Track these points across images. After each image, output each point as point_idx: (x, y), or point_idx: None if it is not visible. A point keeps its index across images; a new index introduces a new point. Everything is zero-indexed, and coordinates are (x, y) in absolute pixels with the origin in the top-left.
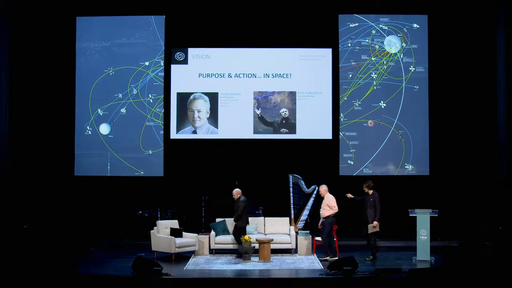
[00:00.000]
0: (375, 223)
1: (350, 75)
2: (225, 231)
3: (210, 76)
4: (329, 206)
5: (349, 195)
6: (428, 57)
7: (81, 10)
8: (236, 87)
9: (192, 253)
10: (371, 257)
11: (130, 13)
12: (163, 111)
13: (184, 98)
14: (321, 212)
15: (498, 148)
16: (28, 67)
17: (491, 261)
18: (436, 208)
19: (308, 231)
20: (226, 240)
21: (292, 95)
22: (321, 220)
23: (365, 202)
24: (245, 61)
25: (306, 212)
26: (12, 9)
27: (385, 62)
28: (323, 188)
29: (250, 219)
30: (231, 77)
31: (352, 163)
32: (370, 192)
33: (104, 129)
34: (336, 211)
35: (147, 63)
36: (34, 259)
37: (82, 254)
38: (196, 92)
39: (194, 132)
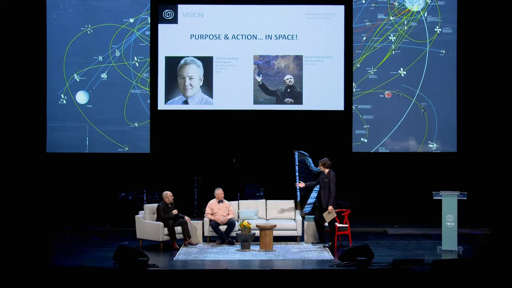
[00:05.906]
0: (330, 208)
1: (364, 38)
2: None
3: (204, 37)
4: None
5: (300, 184)
6: (457, 16)
7: None
8: (234, 50)
9: (183, 241)
10: (330, 242)
11: None
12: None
13: (174, 63)
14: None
15: None
16: None
17: None
18: (465, 190)
19: None
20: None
21: (298, 59)
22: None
23: (320, 183)
24: (244, 20)
25: (313, 194)
26: None
27: (405, 22)
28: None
29: (249, 202)
30: (227, 38)
31: (365, 141)
32: (326, 171)
33: (82, 97)
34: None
35: (131, 20)
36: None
37: (56, 243)
38: (188, 56)
39: (185, 102)
